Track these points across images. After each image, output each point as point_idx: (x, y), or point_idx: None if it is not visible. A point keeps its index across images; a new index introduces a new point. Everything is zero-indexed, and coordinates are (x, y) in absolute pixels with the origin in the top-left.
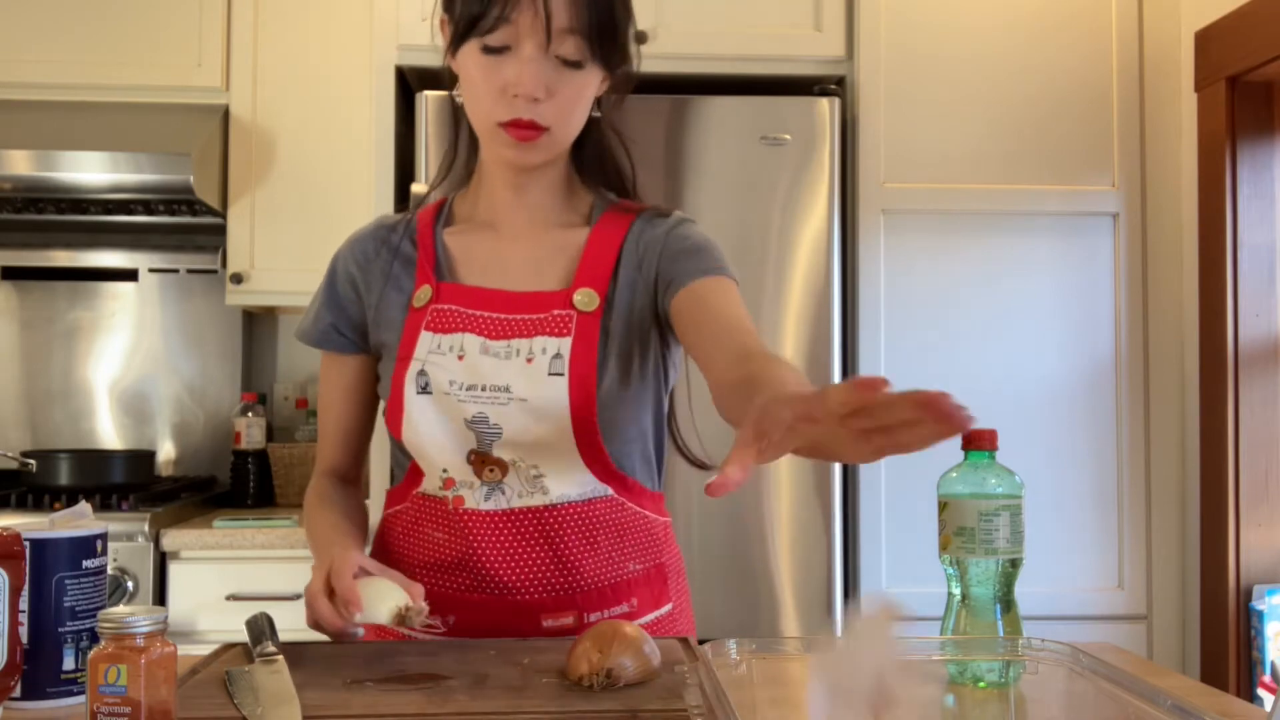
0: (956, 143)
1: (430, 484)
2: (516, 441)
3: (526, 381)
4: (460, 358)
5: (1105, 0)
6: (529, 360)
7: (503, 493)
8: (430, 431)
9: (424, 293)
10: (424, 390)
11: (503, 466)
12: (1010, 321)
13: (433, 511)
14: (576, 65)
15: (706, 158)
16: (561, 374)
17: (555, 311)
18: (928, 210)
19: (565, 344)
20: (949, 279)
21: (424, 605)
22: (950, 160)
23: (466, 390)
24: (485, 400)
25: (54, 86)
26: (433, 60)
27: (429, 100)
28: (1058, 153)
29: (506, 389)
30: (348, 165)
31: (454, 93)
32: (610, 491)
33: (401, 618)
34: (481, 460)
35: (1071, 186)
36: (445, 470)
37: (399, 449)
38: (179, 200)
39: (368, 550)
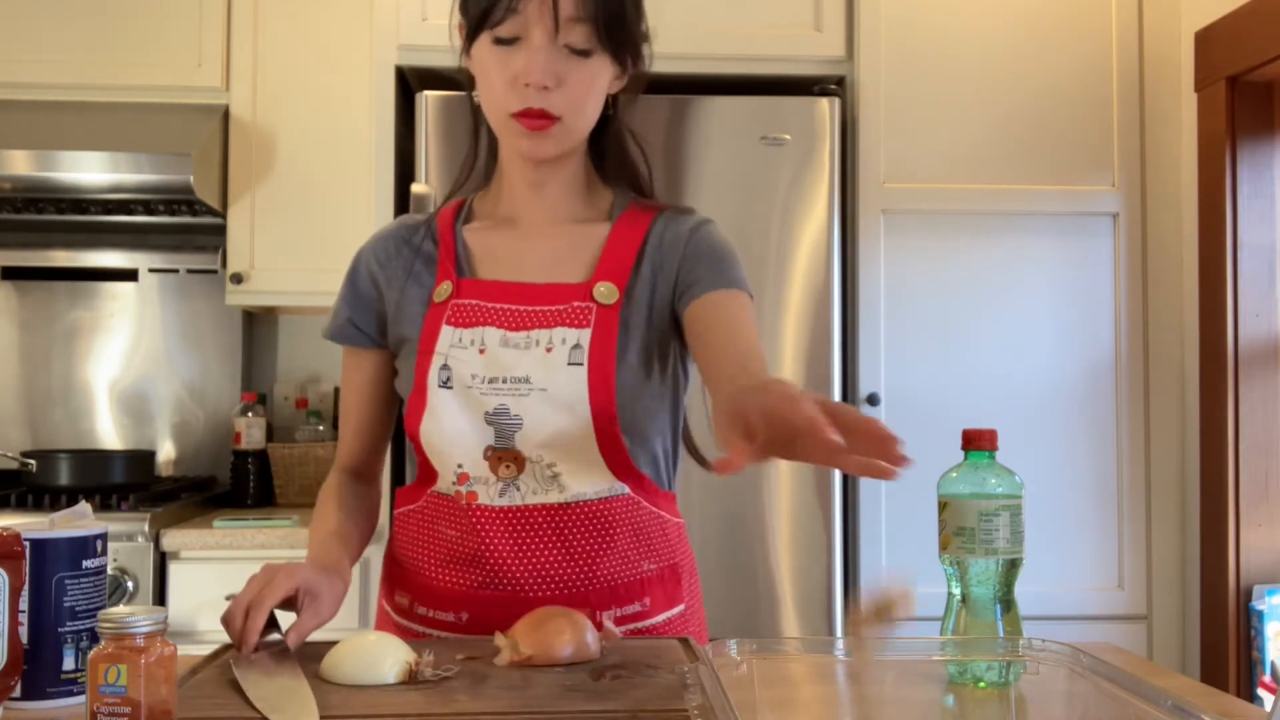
0: (956, 143)
1: (444, 482)
2: (536, 433)
3: (546, 371)
4: (481, 351)
5: (1105, 0)
6: (548, 350)
7: (517, 489)
8: (450, 425)
9: (444, 288)
10: (445, 384)
11: (519, 463)
12: (1010, 321)
13: (446, 509)
14: (585, 54)
15: (706, 158)
16: (580, 364)
17: (575, 303)
18: (928, 210)
19: (585, 335)
20: (949, 279)
21: (431, 656)
22: (950, 160)
23: (488, 383)
24: (506, 392)
25: (54, 86)
26: (433, 60)
27: (429, 100)
28: (1058, 153)
29: (526, 380)
30: (348, 165)
31: (473, 94)
32: (627, 490)
33: (411, 672)
34: (498, 457)
35: (1071, 186)
36: (460, 465)
37: (415, 446)
38: (179, 200)
39: (382, 546)
